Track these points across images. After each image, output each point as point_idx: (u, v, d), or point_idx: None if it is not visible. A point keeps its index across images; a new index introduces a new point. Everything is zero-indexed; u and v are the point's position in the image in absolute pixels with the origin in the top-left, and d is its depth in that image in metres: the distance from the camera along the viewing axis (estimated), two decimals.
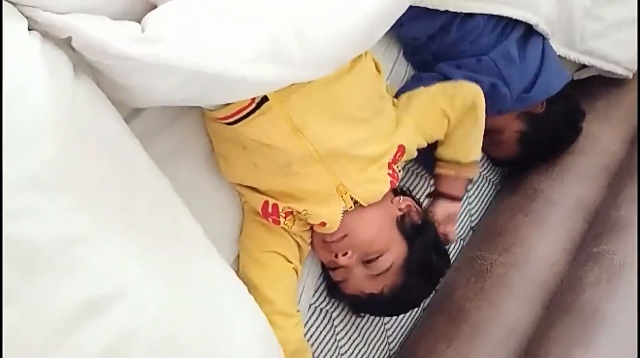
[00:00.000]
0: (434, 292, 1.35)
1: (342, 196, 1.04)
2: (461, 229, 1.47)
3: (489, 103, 1.32)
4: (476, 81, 1.28)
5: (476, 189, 1.50)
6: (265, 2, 0.80)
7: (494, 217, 1.46)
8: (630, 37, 1.48)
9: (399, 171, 1.12)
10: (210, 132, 1.05)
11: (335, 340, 1.24)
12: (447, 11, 1.21)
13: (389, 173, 1.08)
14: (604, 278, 1.16)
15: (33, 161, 0.67)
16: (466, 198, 1.46)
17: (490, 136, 1.45)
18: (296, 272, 1.10)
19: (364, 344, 1.28)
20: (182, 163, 1.02)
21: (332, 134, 0.99)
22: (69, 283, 0.68)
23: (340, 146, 1.00)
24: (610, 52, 1.49)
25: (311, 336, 1.20)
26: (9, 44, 0.68)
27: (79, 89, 0.75)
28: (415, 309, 1.36)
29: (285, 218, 1.05)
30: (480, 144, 1.21)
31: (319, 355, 1.21)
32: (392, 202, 1.14)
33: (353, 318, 1.27)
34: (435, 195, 1.24)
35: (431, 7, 1.21)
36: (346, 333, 1.26)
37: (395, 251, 1.10)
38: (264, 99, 0.95)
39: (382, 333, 1.32)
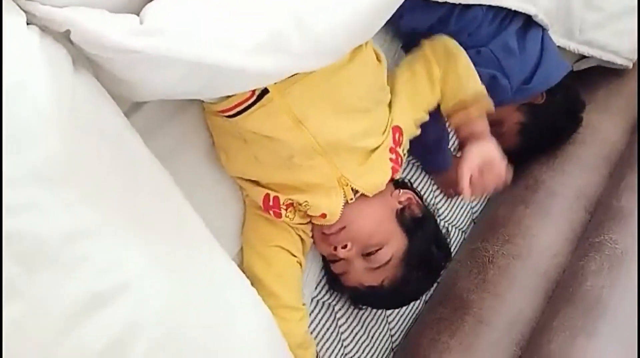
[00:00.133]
0: (435, 285, 1.35)
1: (343, 188, 1.04)
2: (462, 221, 1.47)
3: (489, 95, 1.32)
4: None
5: None
6: None
7: (495, 209, 1.46)
8: (629, 27, 1.48)
9: (404, 154, 1.12)
10: (210, 126, 1.05)
11: (338, 332, 1.24)
12: (445, 2, 1.20)
13: (391, 158, 1.07)
14: (606, 268, 1.16)
15: (35, 155, 0.66)
16: None
17: (491, 127, 1.46)
18: (300, 265, 1.10)
19: (367, 337, 1.29)
20: (183, 157, 1.02)
21: (334, 126, 0.99)
22: (72, 277, 0.68)
23: (342, 137, 1.00)
24: (609, 43, 1.48)
25: (314, 329, 1.20)
26: (9, 39, 0.67)
27: (79, 83, 0.75)
28: (417, 301, 1.36)
29: (286, 210, 1.05)
30: (476, 76, 1.16)
31: (322, 347, 1.21)
32: (391, 195, 1.14)
33: (355, 311, 1.27)
34: (462, 146, 1.14)
35: None
36: (349, 326, 1.26)
37: (395, 244, 1.10)
38: (265, 91, 0.95)
39: (384, 325, 1.32)
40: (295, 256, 1.09)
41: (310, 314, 1.19)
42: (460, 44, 1.29)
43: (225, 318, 0.84)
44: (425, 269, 1.16)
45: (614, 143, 1.48)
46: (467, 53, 1.29)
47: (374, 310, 1.30)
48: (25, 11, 0.72)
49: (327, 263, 1.17)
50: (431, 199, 1.39)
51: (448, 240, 1.32)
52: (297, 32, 0.77)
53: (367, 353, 1.29)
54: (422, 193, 1.32)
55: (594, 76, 1.56)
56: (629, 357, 1.03)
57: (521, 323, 1.21)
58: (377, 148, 1.05)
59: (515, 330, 1.20)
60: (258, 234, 1.09)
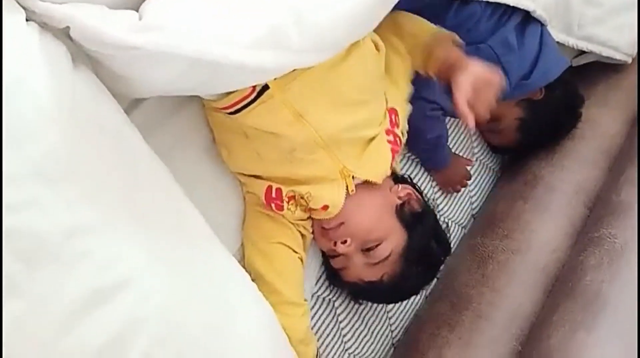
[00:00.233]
0: (435, 280, 1.35)
1: (345, 179, 1.04)
2: (462, 216, 1.47)
3: None
4: None
5: (476, 177, 1.50)
6: None
7: (495, 204, 1.46)
8: (628, 22, 1.48)
9: (403, 134, 1.12)
10: (211, 122, 1.05)
11: (339, 328, 1.24)
12: None
13: (389, 140, 1.07)
14: (605, 262, 1.16)
15: (35, 152, 0.66)
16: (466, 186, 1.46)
17: (490, 123, 1.46)
18: (302, 261, 1.10)
19: (367, 332, 1.29)
20: (183, 153, 1.02)
21: (335, 119, 0.99)
22: (73, 274, 0.68)
23: (343, 130, 1.00)
24: (609, 38, 1.49)
25: (314, 325, 1.21)
26: (8, 36, 0.67)
27: (79, 80, 0.75)
28: (418, 296, 1.36)
29: (288, 202, 1.05)
30: (424, 20, 1.13)
31: (323, 343, 1.22)
32: (391, 190, 1.14)
33: (356, 306, 1.27)
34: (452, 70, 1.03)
35: None
36: (349, 322, 1.26)
37: (394, 239, 1.10)
38: (265, 87, 0.95)
39: (384, 320, 1.32)
40: (296, 252, 1.09)
41: (310, 310, 1.19)
42: None
43: (226, 314, 0.85)
44: (425, 264, 1.16)
45: (613, 137, 1.48)
46: (466, 49, 1.29)
47: (374, 306, 1.30)
48: (24, 7, 0.72)
49: (326, 259, 1.17)
50: (431, 195, 1.39)
51: (448, 235, 1.32)
52: (296, 27, 0.78)
53: (368, 349, 1.29)
54: (421, 188, 1.32)
55: (593, 70, 1.56)
56: (628, 351, 1.03)
57: (521, 318, 1.22)
58: (376, 136, 1.05)
59: (515, 325, 1.21)
60: (259, 231, 1.09)
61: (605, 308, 1.09)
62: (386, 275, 1.10)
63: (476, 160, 1.50)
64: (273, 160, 1.02)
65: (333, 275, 1.18)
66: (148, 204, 0.80)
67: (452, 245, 1.42)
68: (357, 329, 1.27)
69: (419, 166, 1.36)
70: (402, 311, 1.35)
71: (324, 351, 1.22)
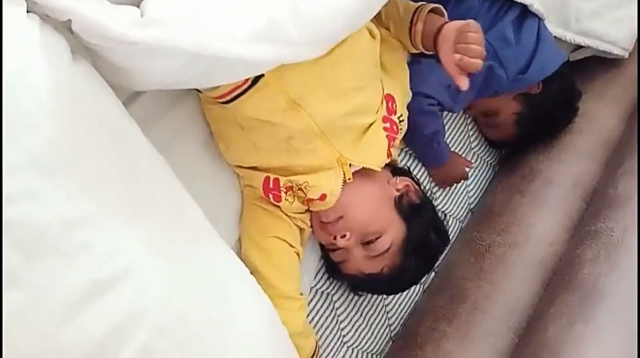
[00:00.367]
0: (433, 273, 1.36)
1: (342, 167, 1.04)
2: (459, 210, 1.47)
3: (486, 85, 1.33)
4: None
5: (474, 171, 1.50)
6: None
7: (492, 198, 1.46)
8: (625, 16, 1.48)
9: (401, 120, 1.12)
10: (207, 116, 1.05)
11: (337, 321, 1.25)
12: None
13: (385, 127, 1.07)
14: (602, 255, 1.17)
15: (34, 143, 0.67)
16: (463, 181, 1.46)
17: (487, 118, 1.47)
18: (298, 256, 1.10)
19: (366, 325, 1.29)
20: (181, 147, 1.02)
21: (330, 106, 0.99)
22: (73, 265, 0.68)
23: (339, 117, 1.00)
24: (606, 32, 1.49)
25: (312, 318, 1.21)
26: (9, 27, 0.67)
27: (78, 73, 0.75)
28: (416, 290, 1.37)
29: (286, 193, 1.05)
30: None
31: (321, 337, 1.22)
32: (389, 183, 1.14)
33: (354, 300, 1.28)
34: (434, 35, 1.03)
35: None
36: (347, 315, 1.27)
37: (393, 232, 1.10)
38: (260, 75, 0.94)
39: (383, 314, 1.33)
40: (293, 246, 1.09)
41: (309, 303, 1.20)
42: None
43: (226, 307, 0.85)
44: (424, 255, 1.17)
45: (611, 131, 1.48)
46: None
47: (373, 300, 1.30)
48: None
49: (326, 252, 1.17)
50: (429, 189, 1.39)
51: (447, 228, 1.32)
52: (294, 20, 0.78)
53: (366, 342, 1.30)
54: (419, 181, 1.33)
55: (590, 65, 1.57)
56: (626, 342, 1.04)
57: (518, 310, 1.22)
58: (372, 123, 1.05)
59: (513, 318, 1.21)
60: (256, 225, 1.09)
61: (602, 300, 1.10)
62: (386, 267, 1.11)
63: (474, 154, 1.51)
64: (270, 150, 1.02)
65: (332, 267, 1.18)
66: (148, 197, 0.80)
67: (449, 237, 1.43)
68: (355, 322, 1.28)
69: (416, 160, 1.36)
70: (400, 305, 1.35)
71: (322, 344, 1.22)
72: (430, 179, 1.40)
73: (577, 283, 1.15)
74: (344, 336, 1.26)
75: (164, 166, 0.88)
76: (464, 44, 0.94)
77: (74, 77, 0.74)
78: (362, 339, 1.29)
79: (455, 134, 1.46)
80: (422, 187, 1.22)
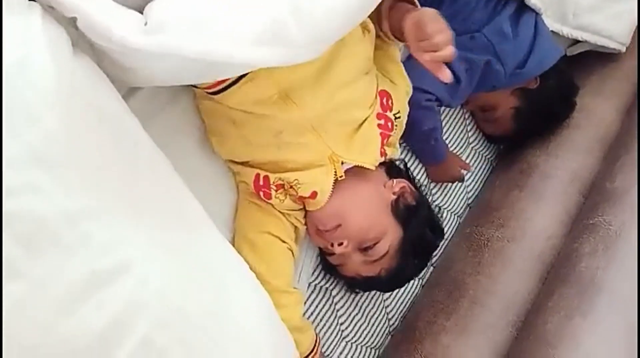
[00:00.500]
0: (432, 267, 1.36)
1: (334, 164, 1.03)
2: (457, 205, 1.48)
3: (484, 80, 1.33)
4: (470, 61, 1.29)
5: (472, 166, 1.51)
6: None
7: (490, 193, 1.47)
8: (623, 10, 1.49)
9: (395, 117, 1.10)
10: (201, 110, 1.04)
11: (336, 317, 1.25)
12: None
13: (379, 124, 1.06)
14: (600, 249, 1.17)
15: (34, 136, 0.66)
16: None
17: (485, 112, 1.47)
18: (292, 251, 1.09)
19: (365, 320, 1.30)
20: (177, 144, 1.02)
21: (321, 99, 0.98)
22: (74, 257, 0.68)
23: (330, 110, 0.99)
24: (603, 27, 1.49)
25: (311, 314, 1.21)
26: (10, 18, 0.67)
27: (79, 67, 0.75)
28: (414, 284, 1.37)
29: (276, 191, 1.04)
30: None
31: (320, 332, 1.22)
32: (385, 186, 1.12)
33: (353, 295, 1.28)
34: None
35: None
36: (346, 310, 1.27)
37: (391, 236, 1.09)
38: None
39: (382, 309, 1.33)
40: (285, 242, 1.08)
41: (307, 299, 1.20)
42: (454, 29, 1.28)
43: (226, 300, 0.85)
44: (421, 253, 1.17)
45: (608, 125, 1.48)
46: (461, 39, 1.30)
47: (371, 295, 1.31)
48: None
49: (322, 251, 1.17)
50: (426, 185, 1.40)
51: (441, 222, 1.31)
52: (295, 21, 0.78)
53: (365, 337, 1.30)
54: (417, 176, 1.33)
55: (588, 59, 1.57)
56: (624, 336, 1.04)
57: (516, 304, 1.23)
58: (365, 120, 1.04)
59: (511, 312, 1.22)
60: (249, 220, 1.08)
61: (600, 294, 1.11)
62: (384, 270, 1.11)
63: (472, 149, 1.51)
64: (260, 145, 1.01)
65: (329, 266, 1.18)
66: (147, 190, 0.80)
67: (447, 234, 1.43)
68: (354, 317, 1.28)
69: (414, 156, 1.37)
70: (399, 299, 1.36)
71: (321, 339, 1.22)
72: (428, 178, 1.40)
73: (575, 276, 1.16)
74: (343, 331, 1.26)
75: (164, 160, 0.87)
76: (426, 41, 0.89)
77: (75, 70, 0.74)
78: (361, 334, 1.29)
79: (453, 129, 1.46)
80: (418, 182, 1.22)
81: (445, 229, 1.38)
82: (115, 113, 0.80)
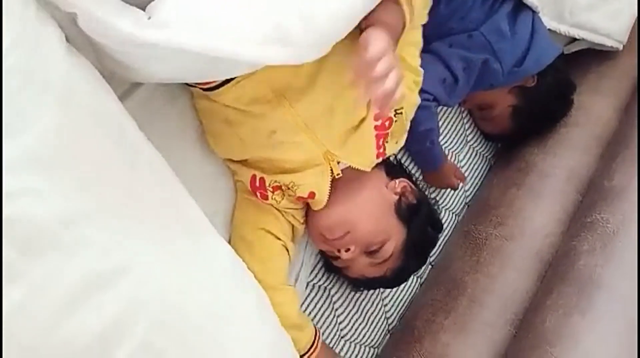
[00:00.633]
0: (430, 266, 1.36)
1: (329, 163, 1.03)
2: (455, 204, 1.48)
3: (481, 79, 1.33)
4: (468, 60, 1.29)
5: (469, 164, 1.51)
6: None
7: (488, 191, 1.47)
8: (620, 8, 1.49)
9: (396, 112, 1.08)
10: (198, 110, 1.03)
11: (335, 316, 1.25)
12: None
13: (376, 126, 1.04)
14: (598, 246, 1.17)
15: (31, 138, 0.66)
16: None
17: (483, 111, 1.47)
18: (287, 249, 1.09)
19: (363, 319, 1.30)
20: (175, 144, 1.01)
21: (315, 99, 0.97)
22: (72, 260, 0.68)
23: (323, 110, 0.98)
24: (600, 25, 1.49)
25: (310, 313, 1.21)
26: (6, 18, 0.67)
27: (73, 66, 0.74)
28: (413, 283, 1.37)
29: (273, 192, 1.04)
30: None
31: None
32: (387, 187, 1.13)
33: (351, 294, 1.28)
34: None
35: None
36: (345, 310, 1.27)
37: (396, 237, 1.10)
38: None
39: (380, 308, 1.33)
40: (281, 240, 1.08)
41: (306, 298, 1.20)
42: (452, 27, 1.30)
43: (225, 300, 0.85)
44: (423, 251, 1.18)
45: (605, 124, 1.48)
46: (459, 37, 1.30)
47: (370, 293, 1.31)
48: None
49: (325, 254, 1.16)
50: (424, 184, 1.40)
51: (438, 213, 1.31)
52: (300, 21, 0.77)
53: (364, 336, 1.30)
54: (414, 174, 1.33)
55: (585, 57, 1.57)
56: (623, 333, 1.04)
57: (515, 303, 1.23)
58: (363, 120, 1.03)
59: (510, 310, 1.22)
60: (245, 217, 1.08)
61: (598, 291, 1.11)
62: (389, 270, 1.12)
63: (469, 148, 1.51)
64: (255, 145, 1.00)
65: (331, 266, 1.18)
66: (146, 191, 0.80)
67: (445, 233, 1.43)
68: (353, 316, 1.28)
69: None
70: (398, 298, 1.36)
71: None
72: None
73: (574, 274, 1.16)
74: (341, 330, 1.26)
75: (161, 161, 0.87)
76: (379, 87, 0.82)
77: (70, 71, 0.73)
78: (360, 333, 1.29)
79: (451, 128, 1.46)
80: (415, 180, 1.22)
81: (444, 228, 1.38)
82: (112, 113, 0.80)
